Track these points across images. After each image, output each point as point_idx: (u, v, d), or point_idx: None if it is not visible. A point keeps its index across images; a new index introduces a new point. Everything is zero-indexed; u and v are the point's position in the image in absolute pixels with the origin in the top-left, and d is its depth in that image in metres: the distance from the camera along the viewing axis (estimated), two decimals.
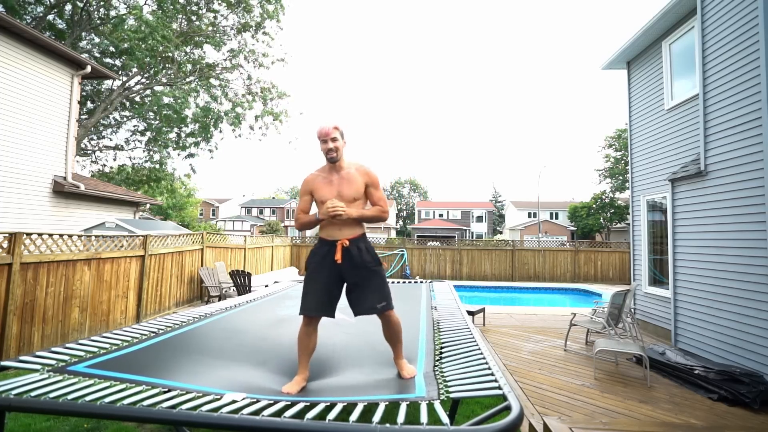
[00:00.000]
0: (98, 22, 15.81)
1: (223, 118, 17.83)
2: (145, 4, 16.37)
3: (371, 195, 2.66)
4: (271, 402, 1.98)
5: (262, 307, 4.75)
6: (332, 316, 2.60)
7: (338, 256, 2.52)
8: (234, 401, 1.97)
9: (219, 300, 8.73)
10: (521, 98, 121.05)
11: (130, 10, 15.11)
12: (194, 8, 16.89)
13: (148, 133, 17.87)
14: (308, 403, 1.98)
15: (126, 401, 1.87)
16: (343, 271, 2.56)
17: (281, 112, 19.01)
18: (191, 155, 18.39)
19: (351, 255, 2.54)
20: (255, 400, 2.00)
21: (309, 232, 55.74)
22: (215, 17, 17.36)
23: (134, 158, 18.83)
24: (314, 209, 2.70)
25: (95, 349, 2.74)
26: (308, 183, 2.67)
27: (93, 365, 2.47)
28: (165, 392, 2.09)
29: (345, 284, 2.63)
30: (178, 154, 18.38)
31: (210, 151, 18.65)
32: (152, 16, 14.99)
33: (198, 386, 2.23)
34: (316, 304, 2.54)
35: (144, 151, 18.41)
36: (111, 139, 18.89)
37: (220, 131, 18.33)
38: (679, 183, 6.50)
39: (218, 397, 2.02)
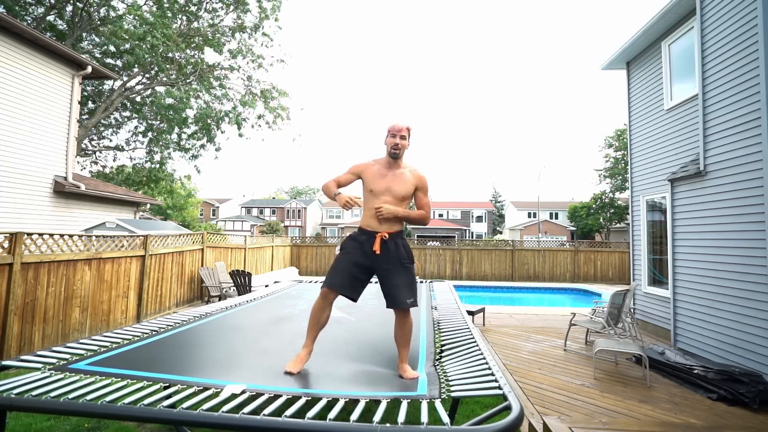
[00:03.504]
0: (98, 22, 15.82)
1: (224, 118, 17.84)
2: (145, 4, 16.38)
3: (419, 198, 2.76)
4: (272, 396, 1.99)
5: (263, 306, 4.76)
6: (354, 299, 2.68)
7: (377, 247, 2.58)
8: (234, 394, 1.98)
9: (219, 300, 8.73)
10: (521, 98, 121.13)
11: (129, 8, 15.10)
12: (192, 8, 16.89)
13: (149, 134, 17.88)
14: (310, 397, 1.99)
15: (127, 399, 1.88)
16: (377, 263, 2.63)
17: (281, 106, 18.99)
18: (195, 156, 18.39)
19: (388, 248, 2.62)
20: (255, 393, 2.01)
21: (309, 232, 55.59)
22: (213, 18, 17.36)
23: (134, 159, 18.86)
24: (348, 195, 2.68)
25: (96, 348, 2.75)
26: (362, 167, 2.75)
27: (94, 363, 2.48)
28: (166, 387, 2.10)
29: (376, 275, 2.69)
30: (182, 156, 18.40)
31: (216, 150, 18.67)
32: (151, 15, 14.99)
33: (198, 379, 2.25)
34: (340, 281, 2.61)
35: (145, 152, 18.45)
36: (111, 140, 18.92)
37: (223, 132, 18.34)
38: (679, 183, 6.50)
39: (219, 390, 2.04)
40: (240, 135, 18.55)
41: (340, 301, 2.83)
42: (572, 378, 4.86)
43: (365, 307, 4.58)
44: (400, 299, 2.59)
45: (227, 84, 18.47)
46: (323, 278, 2.77)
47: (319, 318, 2.63)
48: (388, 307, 2.68)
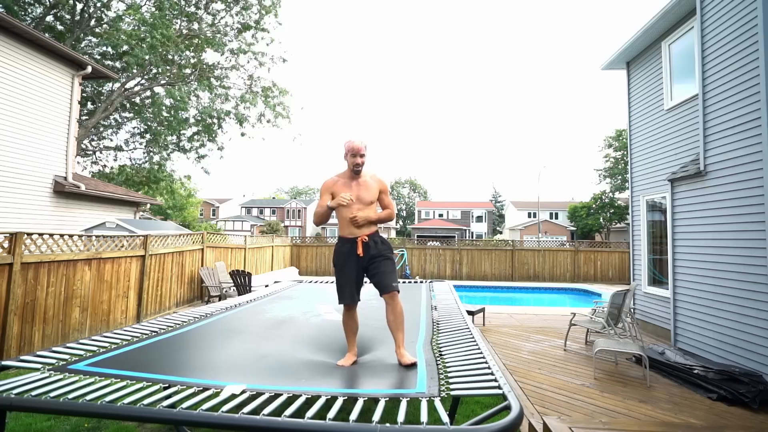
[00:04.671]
0: (94, 23, 15.80)
1: (224, 118, 17.84)
2: (144, 4, 16.37)
3: (382, 200, 3.11)
4: (272, 395, 1.99)
5: (263, 306, 4.76)
6: (359, 299, 3.01)
7: (360, 251, 2.90)
8: (233, 394, 1.98)
9: (219, 300, 8.73)
10: (521, 98, 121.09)
11: (128, 9, 15.09)
12: (192, 9, 16.88)
13: (148, 135, 17.87)
14: (310, 395, 2.00)
15: (126, 399, 1.88)
16: (365, 262, 2.95)
17: (281, 104, 18.96)
18: (201, 156, 18.37)
19: (369, 247, 2.94)
20: (255, 393, 2.01)
21: (308, 232, 55.62)
22: (214, 18, 17.35)
23: (134, 159, 18.86)
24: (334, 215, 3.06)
25: (96, 348, 2.75)
26: (329, 186, 3.02)
27: (94, 363, 2.48)
28: (165, 388, 2.10)
29: (366, 272, 2.99)
30: (187, 158, 18.40)
31: (220, 149, 18.66)
32: (151, 16, 14.98)
33: (198, 380, 2.25)
34: (351, 294, 2.95)
35: (144, 153, 18.44)
36: (111, 140, 18.91)
37: (224, 132, 18.35)
38: (679, 183, 6.50)
39: (219, 390, 2.04)
40: (242, 134, 18.53)
41: (336, 304, 2.98)
42: (572, 378, 4.86)
43: (364, 309, 4.55)
44: (388, 283, 2.87)
45: (228, 83, 18.47)
46: (323, 278, 2.90)
47: (351, 326, 2.96)
48: (382, 294, 2.90)
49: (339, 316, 3.49)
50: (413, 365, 2.60)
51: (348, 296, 2.94)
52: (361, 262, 2.94)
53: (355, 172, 2.98)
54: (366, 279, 3.03)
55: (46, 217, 9.16)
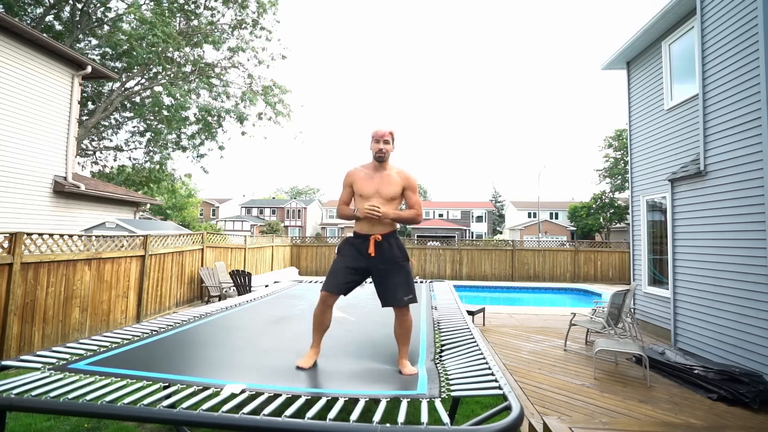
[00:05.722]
0: (95, 24, 15.80)
1: (225, 116, 17.85)
2: (144, 3, 16.37)
3: (408, 198, 2.83)
4: (272, 395, 1.99)
5: (263, 306, 4.76)
6: (345, 294, 2.77)
7: (371, 249, 2.69)
8: (233, 394, 1.98)
9: (219, 300, 8.73)
10: (521, 98, 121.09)
11: (128, 8, 15.08)
12: (191, 6, 16.88)
13: (148, 134, 17.87)
14: (309, 397, 1.99)
15: (127, 399, 1.88)
16: (373, 264, 2.73)
17: (280, 101, 18.94)
18: (201, 155, 18.37)
19: (382, 249, 2.72)
20: (255, 393, 2.01)
21: (309, 232, 55.66)
22: (213, 15, 17.36)
23: (134, 159, 18.85)
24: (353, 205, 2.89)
25: (96, 348, 2.75)
26: (351, 175, 2.85)
27: (94, 362, 2.48)
28: (165, 387, 2.10)
29: (371, 276, 2.79)
30: (188, 157, 18.40)
31: (220, 148, 18.66)
32: (151, 13, 14.97)
33: (198, 379, 2.25)
34: (336, 284, 2.70)
35: (144, 153, 18.43)
36: (111, 140, 18.90)
37: (224, 131, 18.35)
38: (679, 183, 6.50)
39: (218, 389, 2.04)
40: (243, 133, 18.52)
41: (340, 301, 2.88)
42: (572, 378, 4.86)
43: (365, 308, 4.57)
44: (398, 297, 2.68)
45: (228, 80, 18.47)
46: (323, 278, 2.82)
47: (321, 321, 2.72)
48: (384, 305, 2.75)
49: (340, 313, 3.46)
50: (414, 375, 2.55)
51: (332, 286, 2.67)
52: (367, 262, 2.73)
53: (378, 159, 2.76)
54: (368, 281, 2.83)
55: (46, 217, 9.16)
